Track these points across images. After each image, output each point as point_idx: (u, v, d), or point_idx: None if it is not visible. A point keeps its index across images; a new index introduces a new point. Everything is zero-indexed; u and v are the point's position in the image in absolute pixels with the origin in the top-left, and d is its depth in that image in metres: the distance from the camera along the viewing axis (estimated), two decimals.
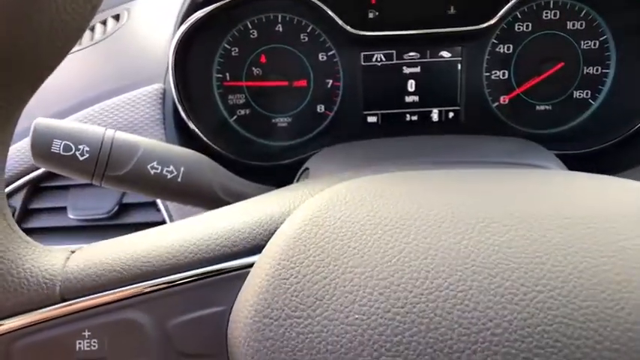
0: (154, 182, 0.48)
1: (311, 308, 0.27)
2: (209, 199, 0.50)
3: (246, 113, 0.75)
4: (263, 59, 0.73)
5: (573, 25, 0.71)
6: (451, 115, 0.74)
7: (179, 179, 0.48)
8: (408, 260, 0.27)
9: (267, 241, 0.31)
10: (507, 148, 0.57)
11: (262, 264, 0.29)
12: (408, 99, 0.74)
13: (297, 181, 0.61)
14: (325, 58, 0.73)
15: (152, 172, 0.48)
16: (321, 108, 0.75)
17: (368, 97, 0.74)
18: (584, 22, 0.71)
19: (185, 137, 0.69)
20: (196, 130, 0.68)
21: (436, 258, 0.27)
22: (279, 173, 0.71)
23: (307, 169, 0.59)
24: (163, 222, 0.66)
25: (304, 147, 0.74)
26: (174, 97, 0.67)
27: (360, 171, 0.52)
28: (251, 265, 0.31)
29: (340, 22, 0.69)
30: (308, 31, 0.72)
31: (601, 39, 0.71)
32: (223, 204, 0.48)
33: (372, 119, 0.75)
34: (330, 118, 0.75)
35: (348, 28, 0.69)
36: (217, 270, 0.31)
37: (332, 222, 0.29)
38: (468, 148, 0.56)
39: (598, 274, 0.26)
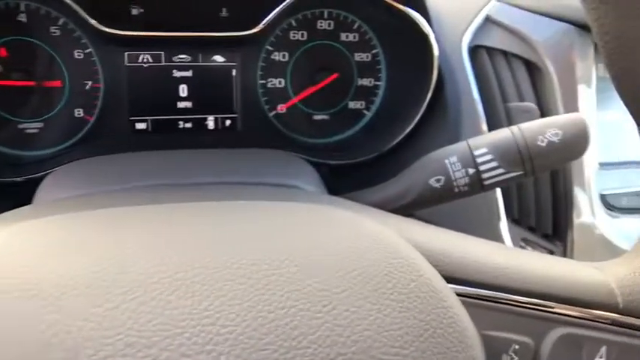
0: None
1: None
2: None
3: None
4: (3, 53, 0.62)
5: (347, 37, 0.72)
6: (228, 122, 0.71)
7: None
8: (45, 338, 0.22)
9: None
10: (263, 164, 0.55)
11: None
12: (181, 105, 0.68)
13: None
14: (82, 56, 0.64)
15: None
16: (79, 112, 0.66)
17: (135, 102, 0.67)
18: (357, 35, 0.73)
19: None
20: None
21: (83, 331, 0.22)
22: (28, 190, 0.61)
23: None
24: None
25: (61, 157, 0.65)
26: None
27: (94, 192, 0.46)
28: None
29: (92, 20, 0.60)
30: (59, 24, 0.63)
31: (373, 52, 0.74)
32: None
33: (140, 126, 0.68)
34: (91, 123, 0.67)
35: (101, 26, 0.61)
36: None
37: None
38: (221, 165, 0.52)
39: (272, 331, 0.24)
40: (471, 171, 0.47)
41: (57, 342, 0.22)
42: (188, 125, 0.69)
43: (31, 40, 0.62)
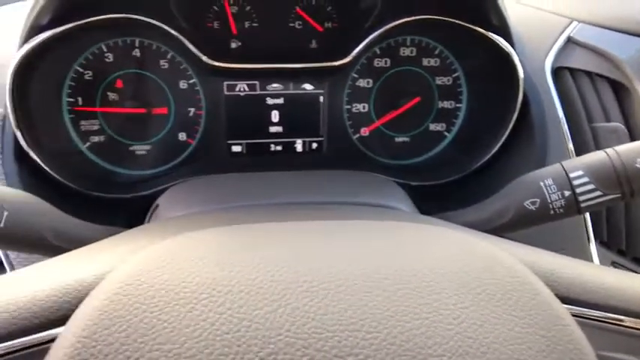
0: None
1: None
2: (39, 245, 0.46)
3: (100, 140, 0.70)
4: (119, 84, 0.69)
5: (428, 62, 0.75)
6: (315, 145, 0.75)
7: (1, 224, 0.43)
8: (220, 334, 0.25)
9: (74, 311, 0.28)
10: (357, 185, 0.58)
11: (63, 340, 0.26)
12: (272, 129, 0.73)
13: (149, 218, 0.58)
14: (186, 86, 0.70)
15: None
16: (182, 136, 0.72)
17: (231, 127, 0.72)
18: (438, 60, 0.75)
19: (26, 169, 0.62)
20: (38, 160, 0.62)
21: (250, 330, 0.25)
22: (136, 206, 0.67)
23: (158, 205, 0.56)
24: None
25: (165, 177, 0.71)
26: (12, 122, 0.61)
27: (209, 209, 0.50)
28: (53, 340, 0.28)
29: (199, 54, 0.66)
30: (168, 57, 0.69)
31: (454, 75, 0.76)
32: (57, 249, 0.44)
33: (236, 148, 0.73)
34: (193, 146, 0.72)
35: (208, 60, 0.67)
36: (14, 347, 0.28)
37: (143, 291, 0.27)
38: (318, 186, 0.56)
39: (411, 339, 0.26)
40: (567, 193, 0.48)
41: (229, 337, 0.25)
42: (279, 148, 0.74)
43: (143, 72, 0.69)
